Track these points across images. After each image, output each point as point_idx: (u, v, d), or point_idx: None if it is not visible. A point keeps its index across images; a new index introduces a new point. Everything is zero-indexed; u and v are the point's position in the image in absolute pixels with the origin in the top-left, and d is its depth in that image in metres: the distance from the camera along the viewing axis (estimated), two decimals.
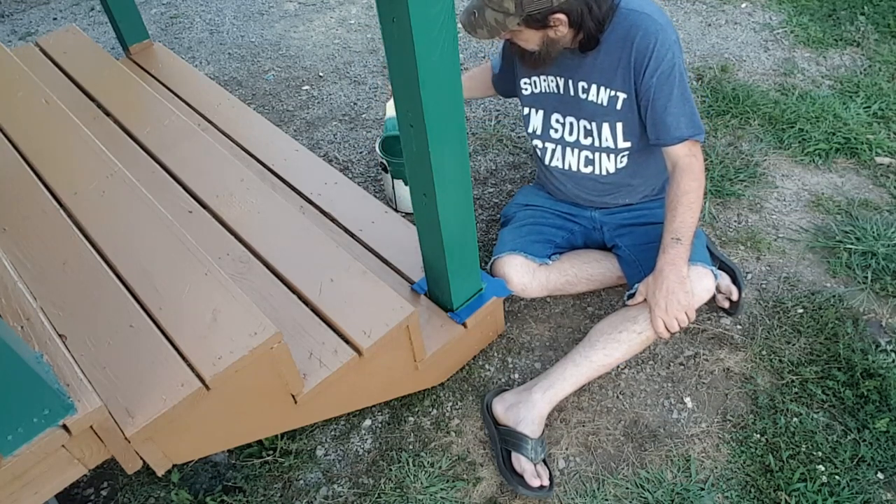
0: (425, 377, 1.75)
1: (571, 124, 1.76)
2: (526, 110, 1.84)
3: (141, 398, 1.24)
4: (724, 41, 2.95)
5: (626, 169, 1.78)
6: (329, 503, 1.62)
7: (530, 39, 1.58)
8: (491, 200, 2.35)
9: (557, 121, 1.79)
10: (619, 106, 1.66)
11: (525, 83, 1.81)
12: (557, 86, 1.74)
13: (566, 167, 1.83)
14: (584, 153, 1.78)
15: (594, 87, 1.68)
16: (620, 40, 1.60)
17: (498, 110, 2.73)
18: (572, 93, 1.72)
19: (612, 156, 1.75)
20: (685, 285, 1.59)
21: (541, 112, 1.81)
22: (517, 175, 2.43)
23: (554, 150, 1.83)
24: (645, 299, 1.65)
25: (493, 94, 2.05)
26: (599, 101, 1.68)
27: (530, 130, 1.85)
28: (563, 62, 1.68)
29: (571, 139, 1.78)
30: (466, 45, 3.14)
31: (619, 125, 1.69)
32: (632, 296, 1.76)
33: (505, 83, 1.94)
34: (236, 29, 3.49)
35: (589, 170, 1.80)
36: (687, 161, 1.63)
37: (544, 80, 1.76)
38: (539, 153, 1.87)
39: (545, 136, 1.83)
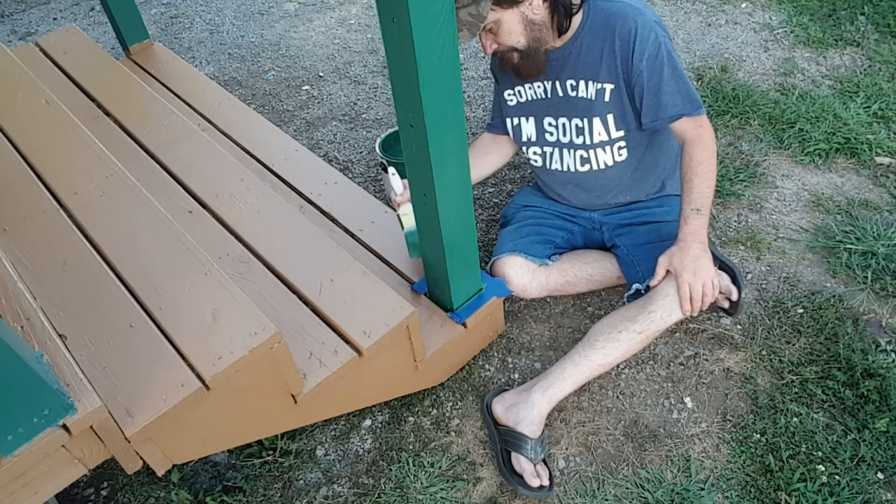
0: (425, 377, 1.75)
1: (564, 125, 1.76)
2: (515, 121, 1.84)
3: (141, 398, 1.24)
4: (724, 41, 2.94)
5: (627, 163, 1.78)
6: (329, 503, 1.62)
7: (513, 28, 1.58)
8: (491, 200, 2.35)
9: (550, 124, 1.79)
10: (606, 98, 1.67)
11: (509, 94, 1.81)
12: (545, 90, 1.74)
13: (565, 168, 1.83)
14: (579, 152, 1.78)
15: (582, 82, 1.68)
16: (601, 32, 1.61)
17: None
18: (560, 93, 1.72)
19: (607, 148, 1.75)
20: (709, 254, 1.59)
21: (531, 119, 1.81)
22: (517, 175, 2.43)
23: (552, 154, 1.83)
24: (665, 276, 1.64)
25: (507, 151, 1.98)
26: (589, 96, 1.69)
27: (524, 139, 1.85)
28: (548, 65, 1.69)
29: (566, 140, 1.78)
30: (466, 45, 3.14)
31: (610, 116, 1.70)
32: (631, 296, 1.76)
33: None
34: (236, 29, 3.49)
35: (586, 168, 1.80)
36: (695, 133, 1.63)
37: (530, 88, 1.76)
38: (538, 160, 1.86)
39: (541, 142, 1.83)
